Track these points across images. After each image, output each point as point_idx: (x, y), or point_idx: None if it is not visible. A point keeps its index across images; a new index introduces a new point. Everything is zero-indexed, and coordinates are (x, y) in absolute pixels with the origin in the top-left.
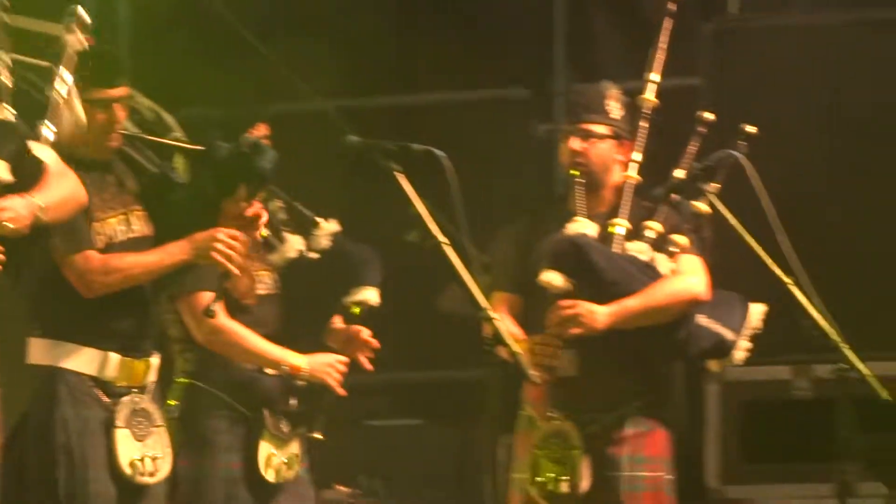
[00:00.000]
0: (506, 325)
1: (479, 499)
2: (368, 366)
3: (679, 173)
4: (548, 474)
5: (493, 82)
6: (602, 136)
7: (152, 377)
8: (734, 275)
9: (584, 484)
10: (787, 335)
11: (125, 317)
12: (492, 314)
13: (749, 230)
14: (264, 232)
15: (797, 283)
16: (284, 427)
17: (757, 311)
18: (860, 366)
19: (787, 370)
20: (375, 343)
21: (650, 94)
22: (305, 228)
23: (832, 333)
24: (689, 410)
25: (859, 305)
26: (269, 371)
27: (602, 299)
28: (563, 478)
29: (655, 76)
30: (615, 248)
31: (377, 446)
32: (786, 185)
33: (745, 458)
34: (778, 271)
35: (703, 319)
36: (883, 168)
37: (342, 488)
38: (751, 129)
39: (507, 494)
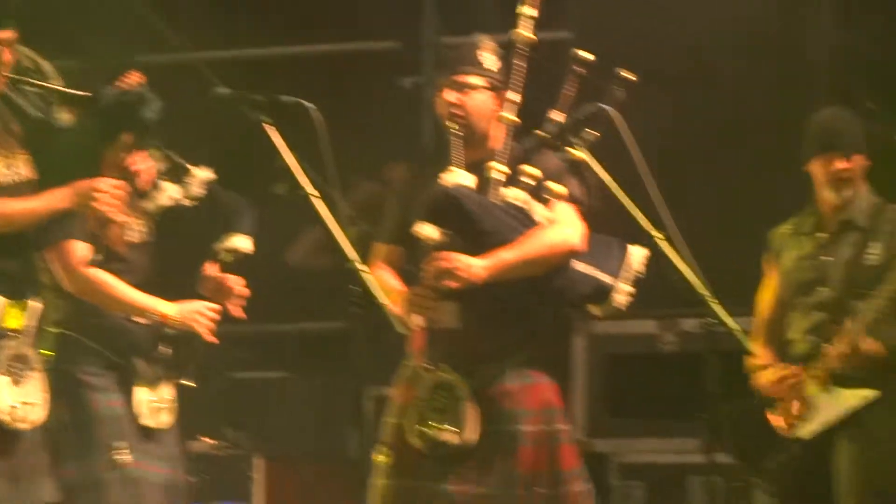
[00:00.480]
0: (377, 276)
1: (345, 450)
2: (240, 313)
3: (556, 116)
4: (433, 424)
5: (362, 34)
6: (477, 88)
7: (33, 321)
8: (605, 225)
9: (471, 435)
10: (655, 289)
11: (8, 259)
12: (360, 266)
13: (622, 181)
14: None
15: (666, 237)
16: (156, 372)
17: (638, 255)
18: (728, 320)
19: (653, 324)
20: (246, 291)
21: (525, 30)
22: (179, 176)
23: (700, 287)
24: (558, 363)
25: (728, 260)
26: (138, 319)
27: (478, 250)
28: (450, 428)
29: (530, 10)
30: (492, 194)
31: (242, 398)
32: (658, 137)
33: (610, 412)
34: (646, 224)
35: (580, 265)
36: (756, 120)
37: (207, 440)
38: (627, 74)
39: (373, 445)
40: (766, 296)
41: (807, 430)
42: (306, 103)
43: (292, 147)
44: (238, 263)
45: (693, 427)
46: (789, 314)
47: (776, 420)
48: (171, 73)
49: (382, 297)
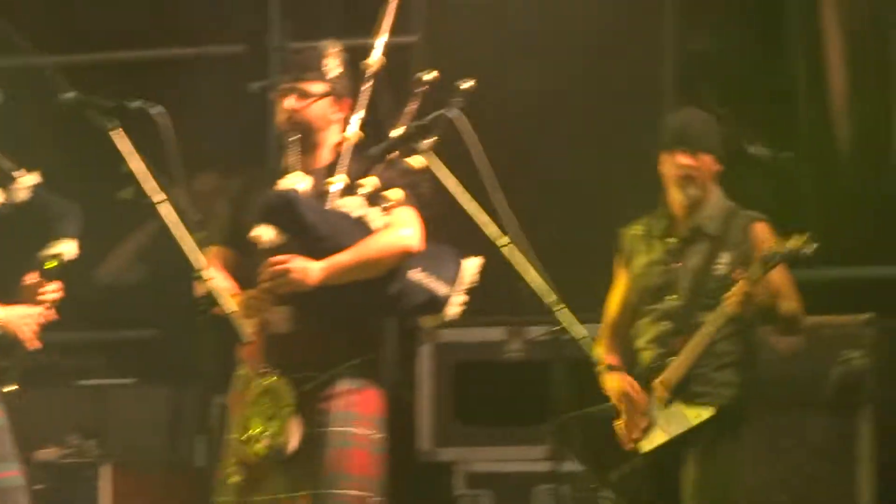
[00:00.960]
0: (220, 283)
1: (193, 458)
2: (51, 316)
3: (397, 132)
4: (256, 431)
5: (210, 38)
6: (319, 95)
7: None
8: (452, 233)
9: (293, 442)
10: (502, 296)
11: None
12: (205, 275)
13: (471, 187)
14: None
15: (514, 243)
16: None
17: (471, 266)
18: (573, 328)
19: (500, 332)
20: (55, 298)
21: (375, 56)
22: (5, 181)
23: (545, 295)
24: (402, 372)
25: (577, 266)
26: None
27: (314, 255)
28: (272, 435)
29: (381, 39)
30: (329, 205)
31: (89, 406)
32: (505, 143)
33: (457, 420)
34: (490, 233)
35: (416, 274)
36: (604, 126)
37: (54, 448)
38: (468, 83)
39: (220, 454)
40: (615, 298)
41: (646, 445)
42: (152, 107)
43: (140, 152)
44: (79, 270)
45: (540, 435)
46: (638, 321)
47: (620, 432)
48: (15, 77)
49: (229, 306)
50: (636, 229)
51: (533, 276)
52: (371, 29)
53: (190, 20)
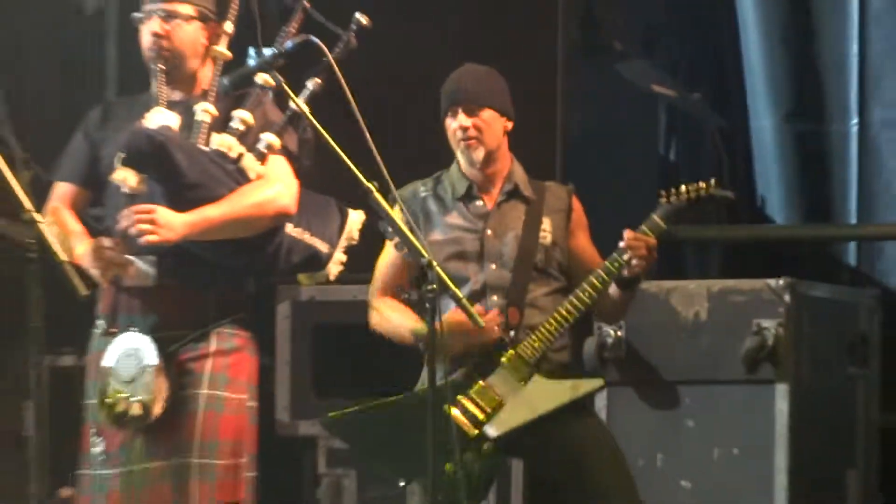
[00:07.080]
0: (61, 224)
1: (19, 428)
2: None
3: (270, 52)
4: (117, 394)
5: None
6: (188, 18)
7: None
8: (330, 180)
9: (158, 407)
10: (371, 251)
11: None
12: (35, 215)
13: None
14: None
15: (380, 189)
16: None
17: (355, 220)
18: (454, 289)
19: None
20: None
21: None
22: None
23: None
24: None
25: None
26: None
27: (180, 204)
28: (135, 398)
29: None
30: (199, 140)
31: None
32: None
33: (318, 391)
34: (362, 178)
35: (294, 230)
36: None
37: None
38: (362, 18)
39: (49, 421)
40: (385, 261)
41: (498, 428)
42: None
43: None
44: None
45: None
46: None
47: (460, 419)
48: None
49: (60, 253)
50: (423, 189)
51: (406, 228)
52: None
53: None
